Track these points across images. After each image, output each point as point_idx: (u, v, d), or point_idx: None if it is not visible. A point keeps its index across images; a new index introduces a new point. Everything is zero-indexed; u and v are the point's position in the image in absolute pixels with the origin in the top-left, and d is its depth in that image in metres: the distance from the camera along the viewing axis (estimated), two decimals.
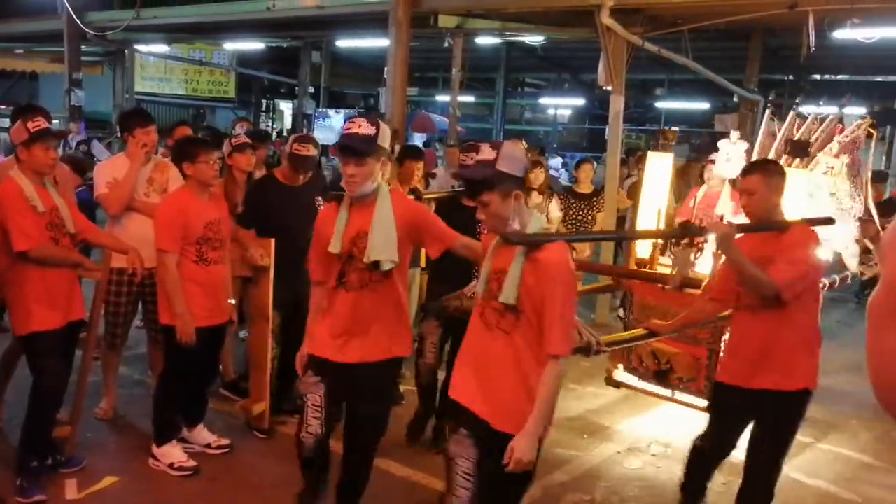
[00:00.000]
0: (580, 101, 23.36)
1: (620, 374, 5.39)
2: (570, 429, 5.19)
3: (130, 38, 15.20)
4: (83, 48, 14.66)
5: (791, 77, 17.66)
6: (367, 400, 3.41)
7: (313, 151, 4.94)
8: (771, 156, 5.26)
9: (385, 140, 3.23)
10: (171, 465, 4.21)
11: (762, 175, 3.48)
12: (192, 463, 4.25)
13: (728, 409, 3.63)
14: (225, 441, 4.55)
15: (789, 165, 5.05)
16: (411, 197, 5.61)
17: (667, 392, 5.19)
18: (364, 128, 3.17)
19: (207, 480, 4.18)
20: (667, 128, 7.02)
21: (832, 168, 5.16)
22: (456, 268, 3.88)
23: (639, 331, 4.15)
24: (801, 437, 5.06)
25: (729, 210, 5.53)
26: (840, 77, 17.94)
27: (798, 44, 9.06)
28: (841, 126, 5.30)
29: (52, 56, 17.25)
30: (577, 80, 22.09)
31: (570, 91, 23.20)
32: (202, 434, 4.53)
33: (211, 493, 4.08)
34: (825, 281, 4.68)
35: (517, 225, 2.79)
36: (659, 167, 5.84)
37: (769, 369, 3.40)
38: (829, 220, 3.83)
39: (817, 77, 18.21)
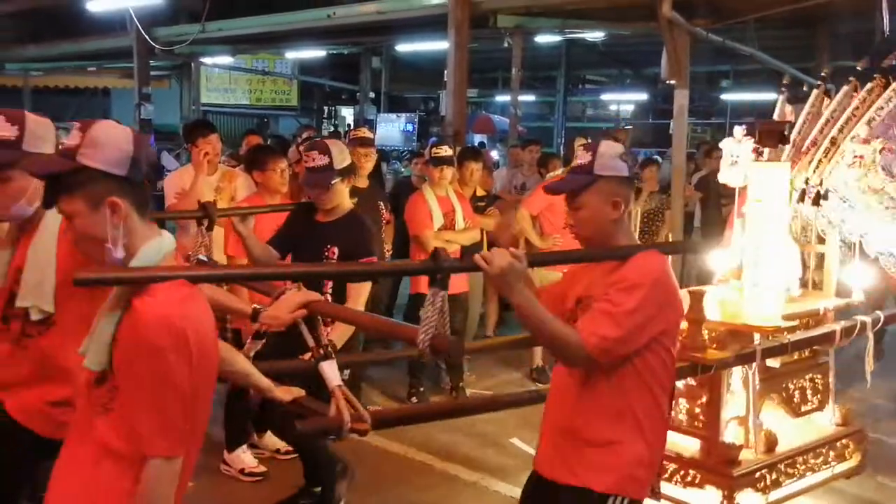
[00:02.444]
0: (643, 97, 22.98)
1: None
2: None
3: (196, 51, 15.57)
4: (151, 63, 15.09)
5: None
6: None
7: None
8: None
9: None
10: (241, 471, 4.27)
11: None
12: (262, 468, 4.30)
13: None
14: None
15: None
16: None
17: None
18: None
19: (278, 486, 4.22)
20: (621, 125, 5.98)
21: (861, 158, 3.98)
22: None
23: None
24: None
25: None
26: None
27: (871, 28, 8.73)
28: (855, 94, 4.13)
29: (122, 72, 17.79)
30: (640, 75, 21.75)
31: (632, 86, 22.85)
32: (272, 440, 4.58)
33: (281, 498, 4.11)
34: (880, 314, 4.01)
35: (121, 253, 1.89)
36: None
37: (569, 456, 2.39)
38: (679, 248, 2.91)
39: (894, 62, 17.56)
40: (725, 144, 4.18)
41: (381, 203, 5.11)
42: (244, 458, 4.32)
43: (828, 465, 3.99)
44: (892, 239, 3.98)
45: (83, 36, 15.61)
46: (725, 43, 9.37)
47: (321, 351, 2.34)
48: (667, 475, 3.54)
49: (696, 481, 3.59)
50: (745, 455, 3.61)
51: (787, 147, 4.13)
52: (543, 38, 14.20)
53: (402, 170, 13.67)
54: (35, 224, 2.47)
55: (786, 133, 4.03)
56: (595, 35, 13.71)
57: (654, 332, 2.29)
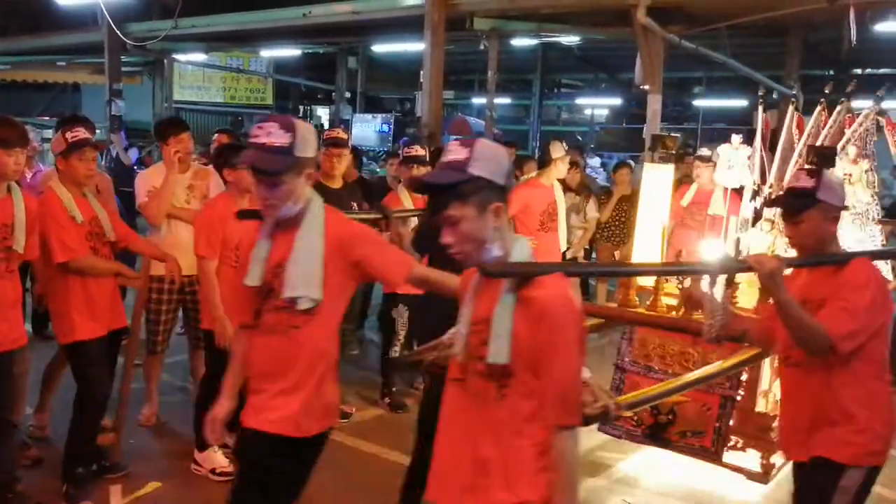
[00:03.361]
0: (617, 101, 23.17)
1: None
2: None
3: (169, 47, 15.44)
4: (123, 58, 14.92)
5: (832, 72, 17.33)
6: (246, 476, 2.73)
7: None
8: (791, 166, 4.71)
9: (306, 147, 2.48)
10: (212, 471, 4.24)
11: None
12: (233, 468, 4.27)
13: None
14: None
15: None
16: None
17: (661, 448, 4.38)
18: (276, 136, 2.45)
19: None
20: (668, 133, 6.20)
21: (850, 176, 4.59)
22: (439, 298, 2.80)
23: (669, 383, 3.49)
24: None
25: (723, 211, 5.05)
26: (883, 71, 17.56)
27: (839, 38, 8.88)
28: (850, 116, 4.84)
29: (93, 67, 17.60)
30: (614, 80, 21.91)
31: (607, 91, 23.02)
32: None
33: None
34: None
35: (498, 251, 2.11)
36: (657, 180, 4.90)
37: (819, 436, 2.75)
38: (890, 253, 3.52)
39: (859, 71, 17.84)
40: (723, 150, 4.78)
41: (355, 204, 5.09)
42: (215, 457, 4.29)
43: None
44: (858, 245, 4.44)
45: (52, 30, 15.41)
46: (698, 50, 9.47)
47: None
48: None
49: (739, 446, 4.26)
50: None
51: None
52: (519, 42, 14.26)
53: (378, 170, 13.65)
54: (297, 221, 2.58)
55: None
56: (570, 39, 13.81)
57: (878, 324, 2.69)
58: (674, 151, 5.12)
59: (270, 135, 2.45)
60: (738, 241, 4.61)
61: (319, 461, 4.11)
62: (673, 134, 7.52)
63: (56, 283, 3.85)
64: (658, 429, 4.29)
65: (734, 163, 4.74)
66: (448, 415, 2.22)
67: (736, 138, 4.76)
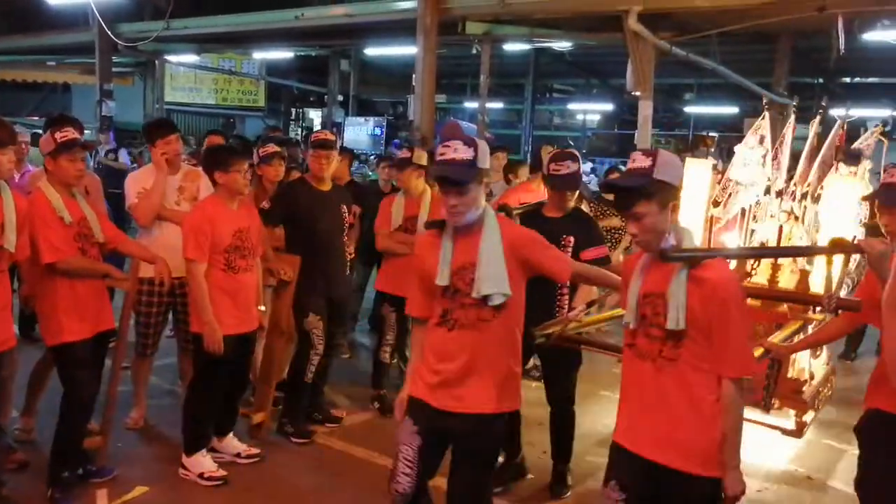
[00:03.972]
0: (609, 107, 23.22)
1: None
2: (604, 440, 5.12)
3: (160, 48, 15.39)
4: (114, 59, 14.88)
5: (821, 80, 17.43)
6: (465, 458, 3.05)
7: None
8: (816, 166, 5.44)
9: (485, 159, 2.90)
10: (200, 475, 4.21)
11: None
12: (221, 472, 4.24)
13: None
14: (255, 450, 4.54)
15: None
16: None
17: None
18: (461, 152, 2.86)
19: (237, 490, 4.17)
20: (705, 133, 7.12)
21: (854, 174, 5.31)
22: (540, 292, 3.47)
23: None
24: (836, 444, 5.24)
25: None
26: (870, 80, 17.67)
27: (827, 46, 8.93)
28: (842, 132, 5.44)
29: (83, 67, 17.53)
30: (606, 86, 21.98)
31: (598, 96, 23.08)
32: (232, 443, 4.53)
33: (241, 503, 4.07)
34: None
35: (673, 240, 2.61)
36: (698, 174, 5.36)
37: None
38: None
39: (847, 80, 17.95)
40: (739, 149, 5.24)
41: (344, 206, 5.07)
42: (203, 461, 4.26)
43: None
44: None
45: (43, 30, 15.34)
46: (689, 56, 9.50)
47: None
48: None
49: (776, 406, 4.87)
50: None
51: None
52: (512, 47, 14.29)
53: (370, 173, 13.63)
54: (479, 226, 2.93)
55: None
56: (562, 45, 13.84)
57: None
58: (712, 149, 5.70)
59: (457, 151, 2.85)
60: (752, 231, 5.32)
61: (310, 465, 4.08)
62: (711, 134, 8.11)
63: (43, 285, 3.81)
64: None
65: (749, 161, 5.20)
66: (629, 376, 2.73)
67: (752, 139, 5.25)
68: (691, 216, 5.14)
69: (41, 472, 3.96)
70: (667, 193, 2.56)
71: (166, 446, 4.62)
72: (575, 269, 3.27)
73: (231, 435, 4.54)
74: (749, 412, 4.52)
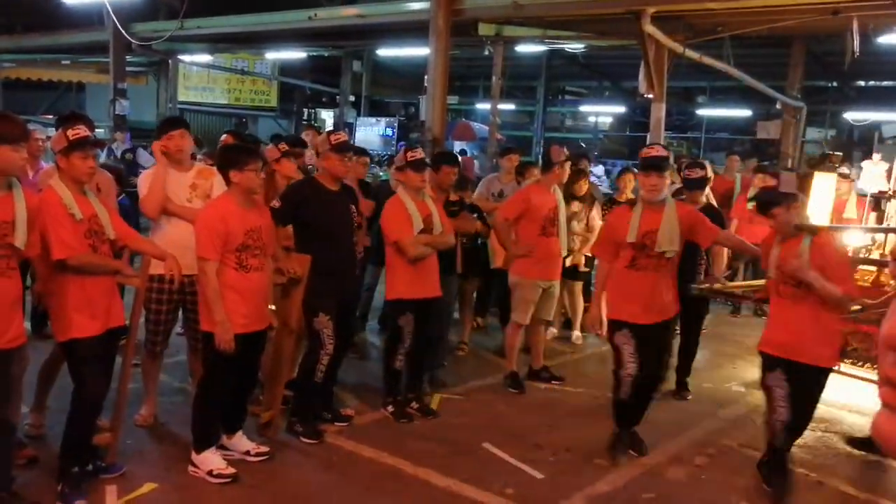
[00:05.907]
0: (621, 109, 23.18)
1: None
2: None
3: (174, 48, 15.46)
4: (128, 58, 14.96)
5: (835, 83, 17.33)
6: (660, 349, 4.88)
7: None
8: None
9: (670, 160, 4.48)
10: (209, 473, 4.21)
11: None
12: (231, 470, 4.25)
13: None
14: (264, 448, 4.54)
15: None
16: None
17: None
18: (660, 151, 4.67)
19: (246, 488, 4.17)
20: (832, 152, 8.35)
21: None
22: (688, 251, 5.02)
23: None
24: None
25: (854, 214, 7.00)
26: (885, 83, 17.55)
27: (841, 50, 8.89)
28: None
29: (97, 67, 17.63)
30: (618, 88, 21.94)
31: (610, 99, 23.03)
32: (241, 441, 4.53)
33: (250, 501, 4.07)
34: None
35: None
36: (824, 186, 6.96)
37: None
38: None
39: (861, 83, 17.84)
40: (867, 165, 6.29)
41: (353, 206, 5.06)
42: (213, 459, 4.27)
43: None
44: None
45: (58, 29, 15.43)
46: (702, 59, 9.47)
47: None
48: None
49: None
50: None
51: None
52: (524, 48, 14.28)
53: (381, 174, 13.64)
54: (663, 203, 4.60)
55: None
56: (575, 47, 13.82)
57: None
58: (837, 165, 7.64)
59: (658, 150, 4.69)
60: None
61: (319, 464, 4.06)
62: (836, 153, 8.61)
63: (53, 282, 3.82)
64: None
65: (875, 174, 6.39)
66: (775, 309, 4.32)
67: (876, 156, 6.48)
68: (819, 215, 6.59)
69: (51, 467, 3.97)
70: (789, 199, 4.24)
71: (176, 443, 4.63)
72: (718, 239, 5.00)
73: (240, 433, 4.54)
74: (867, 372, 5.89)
